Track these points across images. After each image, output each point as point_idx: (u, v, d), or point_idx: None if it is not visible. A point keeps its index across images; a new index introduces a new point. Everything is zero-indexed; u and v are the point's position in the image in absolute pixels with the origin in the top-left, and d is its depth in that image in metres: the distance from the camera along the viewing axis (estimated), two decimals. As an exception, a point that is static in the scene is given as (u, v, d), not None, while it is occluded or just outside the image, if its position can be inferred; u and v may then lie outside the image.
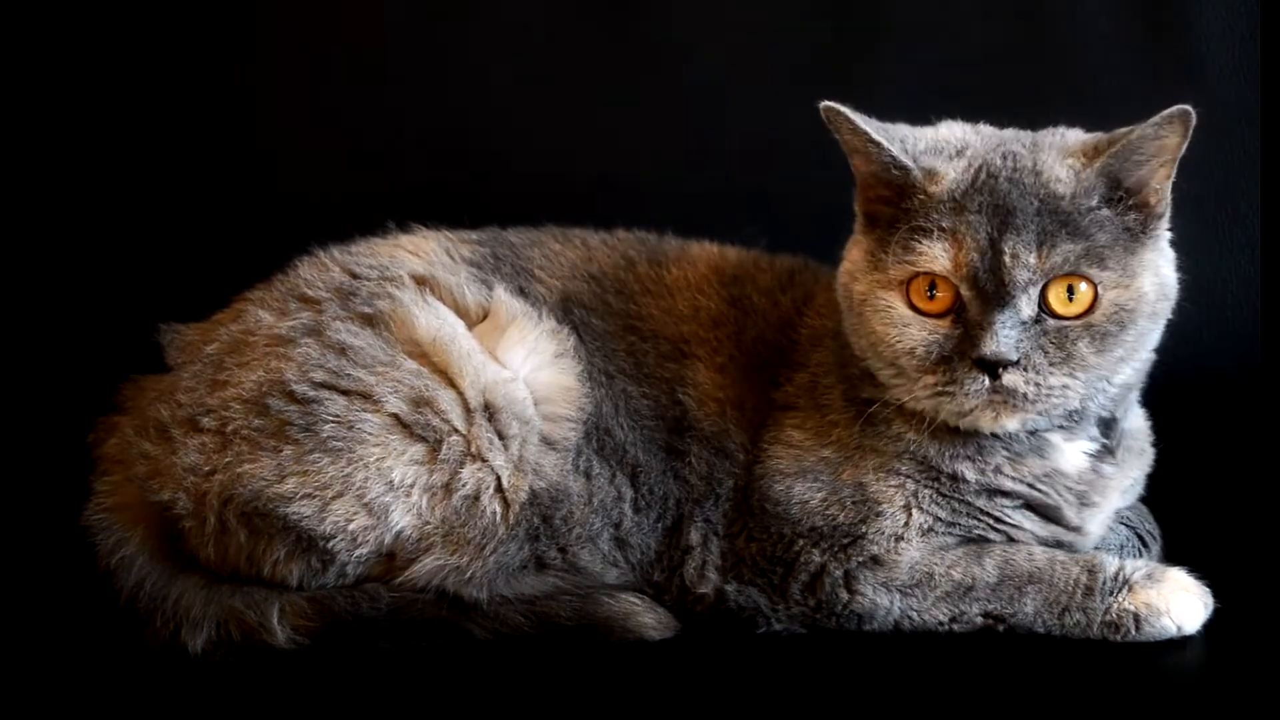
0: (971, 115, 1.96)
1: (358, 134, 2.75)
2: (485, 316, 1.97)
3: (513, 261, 2.05)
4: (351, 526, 1.83)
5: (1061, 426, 1.86)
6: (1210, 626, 1.83)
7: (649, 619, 1.90)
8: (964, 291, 1.77)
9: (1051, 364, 1.76)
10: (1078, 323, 1.76)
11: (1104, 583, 1.83)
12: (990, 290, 1.75)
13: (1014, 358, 1.74)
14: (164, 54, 2.73)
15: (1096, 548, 1.94)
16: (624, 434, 1.95)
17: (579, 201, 2.26)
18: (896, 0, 2.66)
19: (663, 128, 2.68)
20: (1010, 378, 1.75)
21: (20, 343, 2.65)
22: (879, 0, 2.67)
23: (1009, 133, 1.90)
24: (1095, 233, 1.76)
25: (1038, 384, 1.76)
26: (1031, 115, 1.96)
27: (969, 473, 1.86)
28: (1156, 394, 2.04)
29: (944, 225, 1.78)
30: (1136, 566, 1.85)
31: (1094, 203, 1.78)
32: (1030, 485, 1.87)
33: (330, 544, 1.84)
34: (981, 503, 1.87)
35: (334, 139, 2.75)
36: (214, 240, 2.71)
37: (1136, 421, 1.99)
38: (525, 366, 1.93)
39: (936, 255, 1.78)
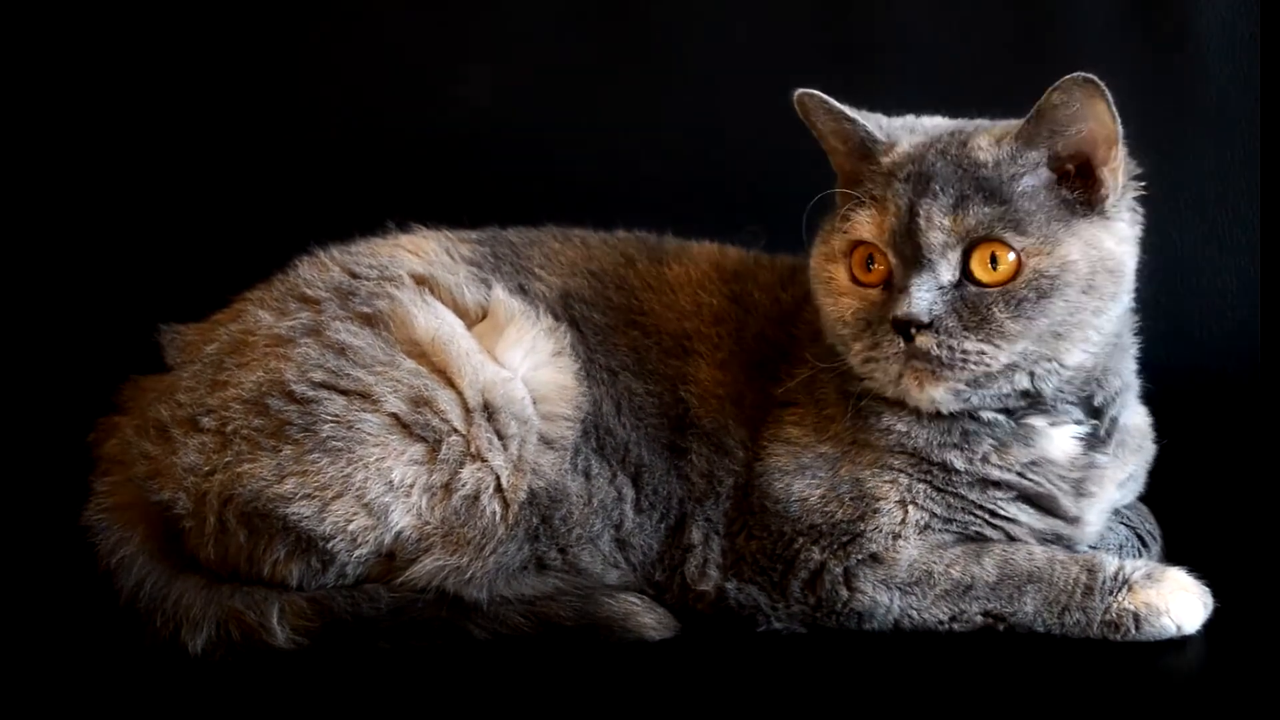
0: (971, 114, 1.96)
1: (358, 134, 2.75)
2: (485, 316, 1.97)
3: (512, 260, 2.05)
4: (351, 527, 1.83)
5: (1031, 410, 1.86)
6: (1210, 626, 1.83)
7: (649, 619, 1.90)
8: (891, 259, 1.80)
9: (966, 328, 1.77)
10: (996, 289, 1.77)
11: (1104, 582, 1.83)
12: (909, 254, 1.78)
13: (925, 319, 1.76)
14: (164, 54, 2.74)
15: (1094, 546, 1.93)
16: (626, 432, 1.95)
17: (579, 201, 2.26)
18: (898, 0, 2.67)
19: (663, 128, 2.69)
20: (922, 339, 1.77)
21: (20, 343, 2.66)
22: (880, 0, 2.67)
23: (981, 120, 1.92)
24: (1018, 200, 1.78)
25: (950, 347, 1.77)
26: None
27: (958, 461, 1.86)
28: (1156, 394, 2.04)
29: (875, 194, 1.83)
30: (1136, 566, 1.85)
31: (1020, 171, 1.79)
32: (1020, 474, 1.87)
33: (330, 544, 1.84)
34: (975, 495, 1.87)
35: (334, 139, 2.75)
36: (214, 240, 2.71)
37: (1135, 419, 1.99)
38: (523, 366, 1.93)
39: (864, 222, 1.82)
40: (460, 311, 1.96)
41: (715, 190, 2.64)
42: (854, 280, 1.85)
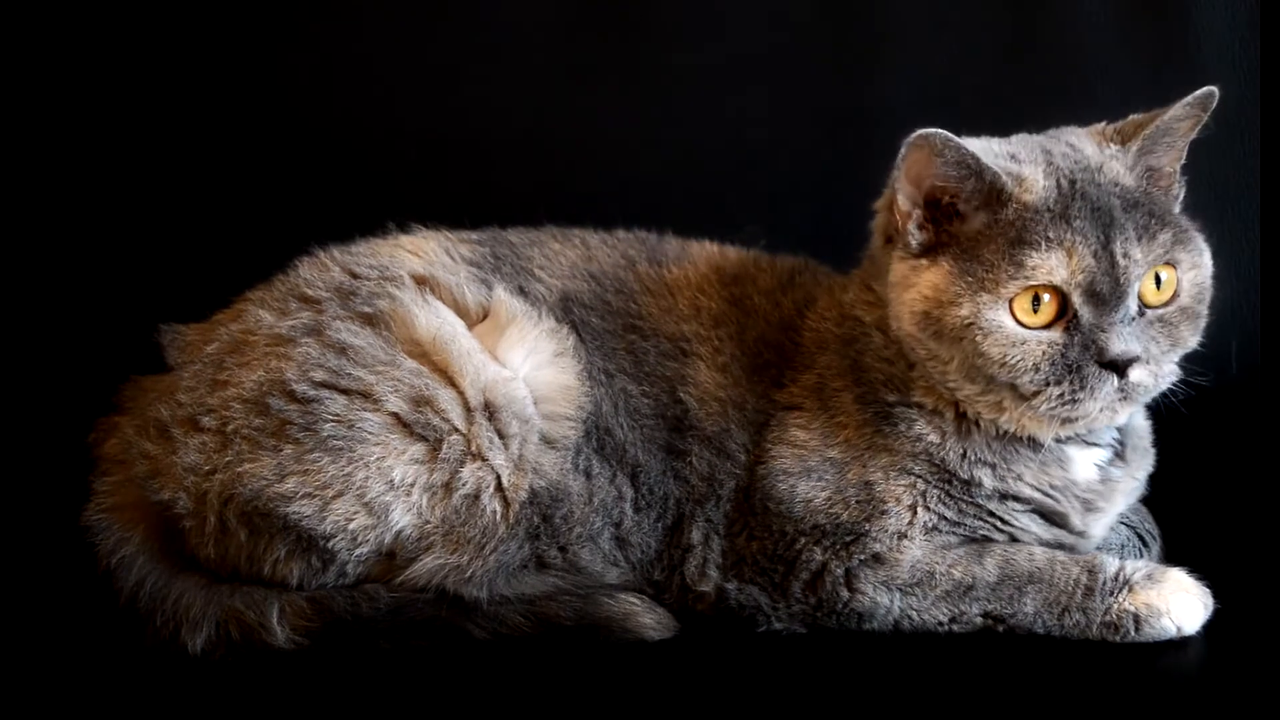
0: (971, 115, 1.96)
1: (358, 134, 2.75)
2: (485, 316, 1.96)
3: (512, 261, 2.05)
4: (352, 526, 1.83)
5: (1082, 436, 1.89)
6: (1210, 627, 1.83)
7: (648, 619, 1.90)
8: (1075, 298, 1.76)
9: (1163, 351, 1.80)
10: (1172, 308, 1.80)
11: (1104, 583, 1.83)
12: (1106, 292, 1.76)
13: (1139, 353, 1.77)
14: (164, 54, 2.73)
15: (1097, 548, 1.94)
16: (624, 433, 1.95)
17: (579, 201, 2.26)
18: (897, 0, 2.66)
19: (664, 127, 2.68)
20: (1136, 373, 1.77)
21: (20, 343, 2.65)
22: (880, 0, 2.67)
23: (1016, 139, 1.89)
24: (1168, 215, 1.81)
25: (1155, 374, 1.79)
26: (1032, 115, 1.96)
27: (987, 479, 1.87)
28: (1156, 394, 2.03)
29: (1050, 236, 1.77)
30: (1136, 567, 1.85)
31: (1152, 187, 1.83)
32: (1045, 493, 1.88)
33: (330, 543, 1.84)
34: (993, 505, 1.88)
35: (334, 139, 2.75)
36: (214, 240, 2.71)
37: (1139, 419, 1.99)
38: (525, 365, 1.93)
39: (1053, 267, 1.76)
40: (461, 311, 1.95)
41: (715, 190, 2.64)
42: (1021, 325, 1.79)
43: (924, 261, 1.84)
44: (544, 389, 1.93)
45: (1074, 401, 1.78)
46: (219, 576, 1.88)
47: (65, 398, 2.36)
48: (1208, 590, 1.84)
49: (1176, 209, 1.86)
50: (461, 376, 1.87)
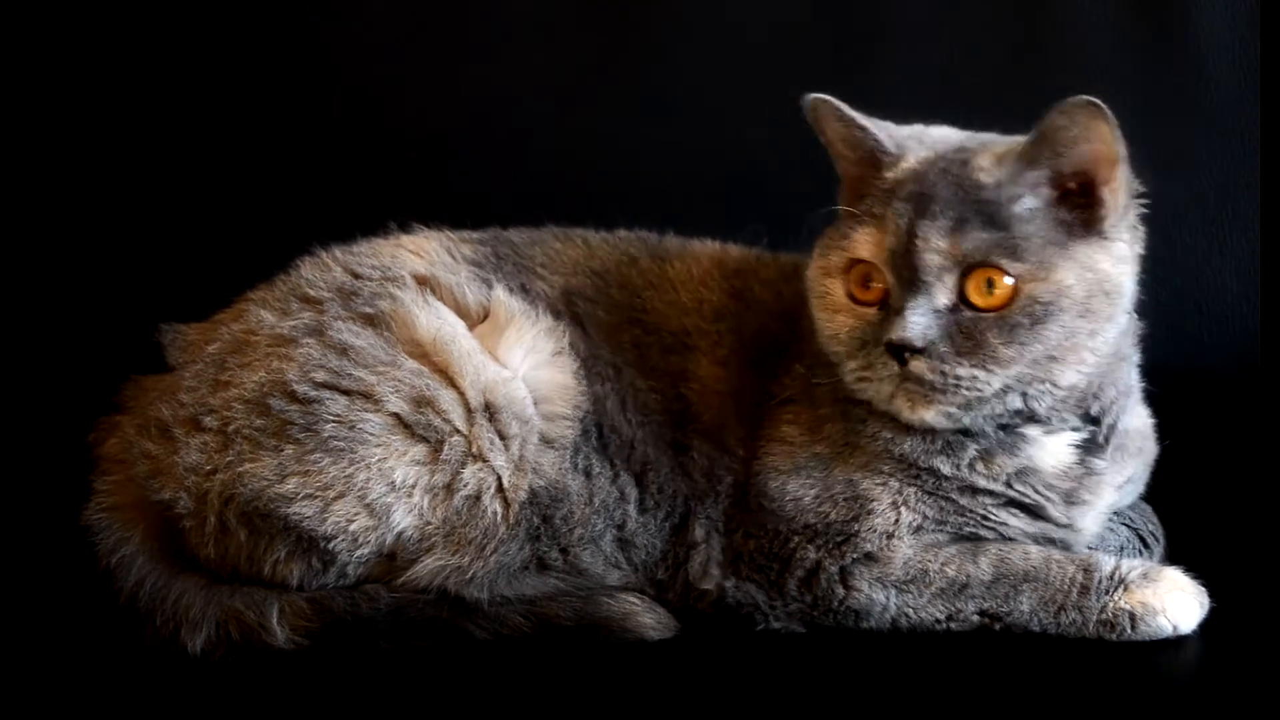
0: (971, 115, 1.97)
1: (360, 133, 2.75)
2: (486, 316, 1.96)
3: (514, 260, 2.05)
4: (353, 527, 1.83)
5: (1030, 421, 1.85)
6: (1206, 626, 1.83)
7: (648, 619, 1.90)
8: (887, 278, 1.79)
9: (959, 354, 1.76)
10: (991, 315, 1.76)
11: (1100, 582, 1.83)
12: (906, 276, 1.76)
13: (919, 344, 1.75)
14: (165, 54, 2.73)
15: (1093, 548, 1.93)
16: (632, 430, 1.95)
17: (580, 201, 2.26)
18: (897, 0, 2.67)
19: (665, 127, 2.68)
20: (916, 364, 1.76)
21: (20, 343, 2.65)
22: (880, 0, 2.67)
23: (986, 135, 1.90)
24: (1016, 224, 1.76)
25: (944, 373, 1.76)
26: (1032, 116, 1.95)
27: (945, 467, 1.86)
28: (1156, 394, 2.04)
29: (875, 212, 1.81)
30: (1132, 566, 1.85)
31: (1019, 193, 1.77)
32: (1006, 484, 1.87)
33: (331, 544, 1.84)
34: (965, 500, 1.87)
35: (336, 138, 2.75)
36: (215, 239, 2.71)
37: (1136, 422, 1.98)
38: (524, 365, 1.93)
39: (864, 241, 1.81)
40: (462, 311, 1.95)
41: (717, 190, 2.64)
42: (851, 297, 1.83)
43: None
44: (543, 388, 1.93)
45: (865, 380, 1.81)
46: (219, 577, 1.88)
47: (65, 397, 2.35)
48: (1203, 589, 1.84)
49: (1111, 227, 1.79)
50: (462, 377, 1.87)
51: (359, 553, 1.85)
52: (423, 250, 2.03)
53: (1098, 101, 1.74)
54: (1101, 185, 1.79)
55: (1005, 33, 2.63)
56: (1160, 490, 2.07)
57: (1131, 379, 1.95)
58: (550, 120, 2.71)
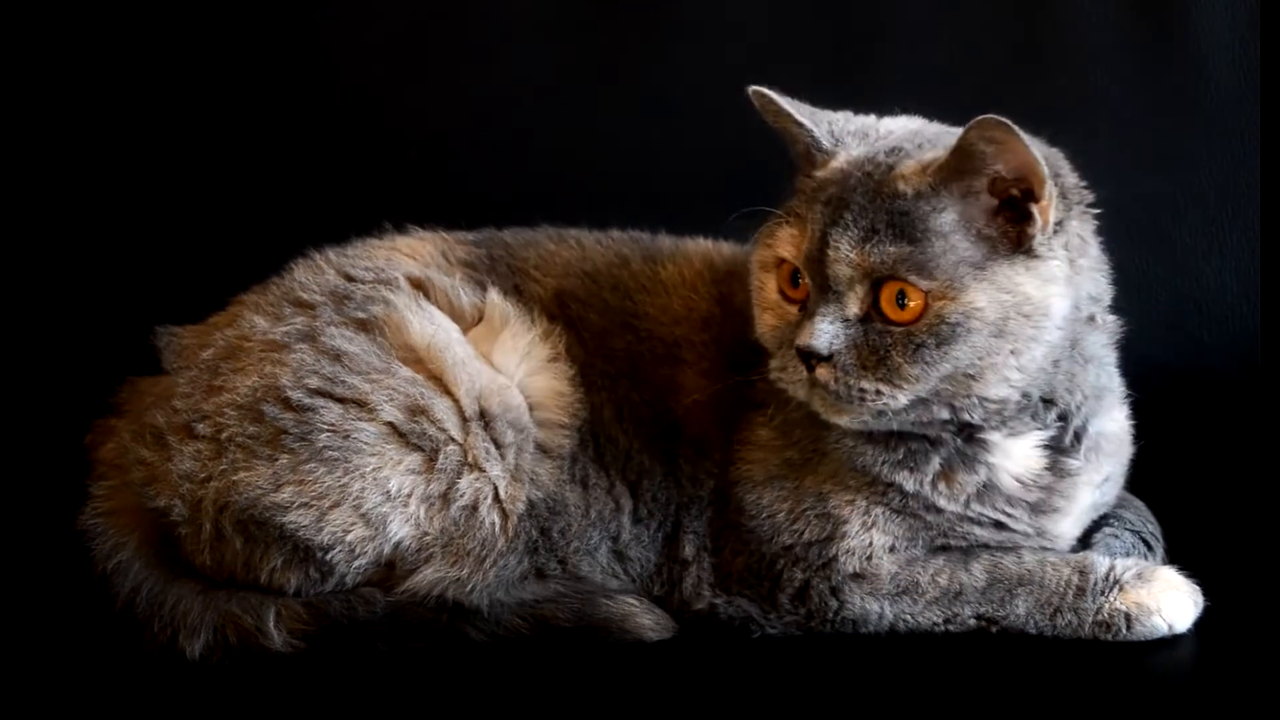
0: (971, 115, 1.95)
1: (354, 134, 2.74)
2: (480, 319, 1.96)
3: (508, 262, 2.04)
4: (350, 537, 1.82)
5: (981, 429, 1.82)
6: (1201, 625, 1.83)
7: (647, 620, 1.89)
8: (806, 280, 1.78)
9: (864, 367, 1.74)
10: (899, 329, 1.73)
11: (1095, 583, 1.83)
12: (820, 282, 1.75)
13: (824, 353, 1.74)
14: (164, 54, 2.73)
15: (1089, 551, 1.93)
16: (628, 439, 1.95)
17: (576, 202, 2.25)
18: (897, 0, 2.66)
19: (659, 127, 2.68)
20: (821, 372, 1.75)
21: (20, 343, 2.65)
22: (880, 0, 2.66)
23: (935, 129, 1.86)
24: (929, 239, 1.72)
25: (847, 384, 1.74)
26: (1032, 116, 1.95)
27: (907, 484, 1.84)
28: (1156, 394, 2.03)
29: (799, 212, 1.79)
30: (1127, 566, 1.84)
31: (938, 206, 1.73)
32: (965, 504, 1.84)
33: (328, 554, 1.83)
34: (931, 517, 1.85)
35: (331, 138, 2.75)
36: (211, 239, 2.70)
37: (1111, 425, 1.94)
38: (519, 371, 1.92)
39: (785, 240, 1.80)
40: (456, 314, 1.94)
41: (716, 190, 2.62)
42: (781, 294, 1.82)
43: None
44: (538, 395, 1.92)
45: (783, 379, 1.80)
46: (215, 583, 1.87)
47: (63, 398, 2.36)
48: (1198, 588, 1.84)
49: (1044, 246, 1.74)
50: (456, 385, 1.86)
51: (357, 563, 1.84)
52: (417, 252, 2.03)
53: (1003, 120, 1.67)
54: (1035, 207, 1.74)
55: (1005, 33, 2.63)
56: (1159, 490, 2.07)
57: (1104, 380, 1.90)
58: (548, 120, 2.70)
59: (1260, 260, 2.53)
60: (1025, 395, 1.80)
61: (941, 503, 1.84)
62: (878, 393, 1.74)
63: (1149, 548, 1.98)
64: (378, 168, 2.72)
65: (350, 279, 1.96)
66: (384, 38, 2.74)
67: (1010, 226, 1.75)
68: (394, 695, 1.77)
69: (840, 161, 1.81)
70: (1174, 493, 2.11)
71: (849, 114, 1.90)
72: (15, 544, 2.18)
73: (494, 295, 1.97)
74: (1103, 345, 1.89)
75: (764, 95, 1.84)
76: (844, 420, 1.79)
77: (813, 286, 1.77)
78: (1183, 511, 2.10)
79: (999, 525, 1.86)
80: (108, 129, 2.72)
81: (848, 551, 1.85)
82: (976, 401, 1.78)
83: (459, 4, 2.72)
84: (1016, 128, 1.67)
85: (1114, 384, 1.94)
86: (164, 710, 1.78)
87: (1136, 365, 1.99)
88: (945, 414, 1.79)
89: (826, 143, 1.83)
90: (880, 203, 1.74)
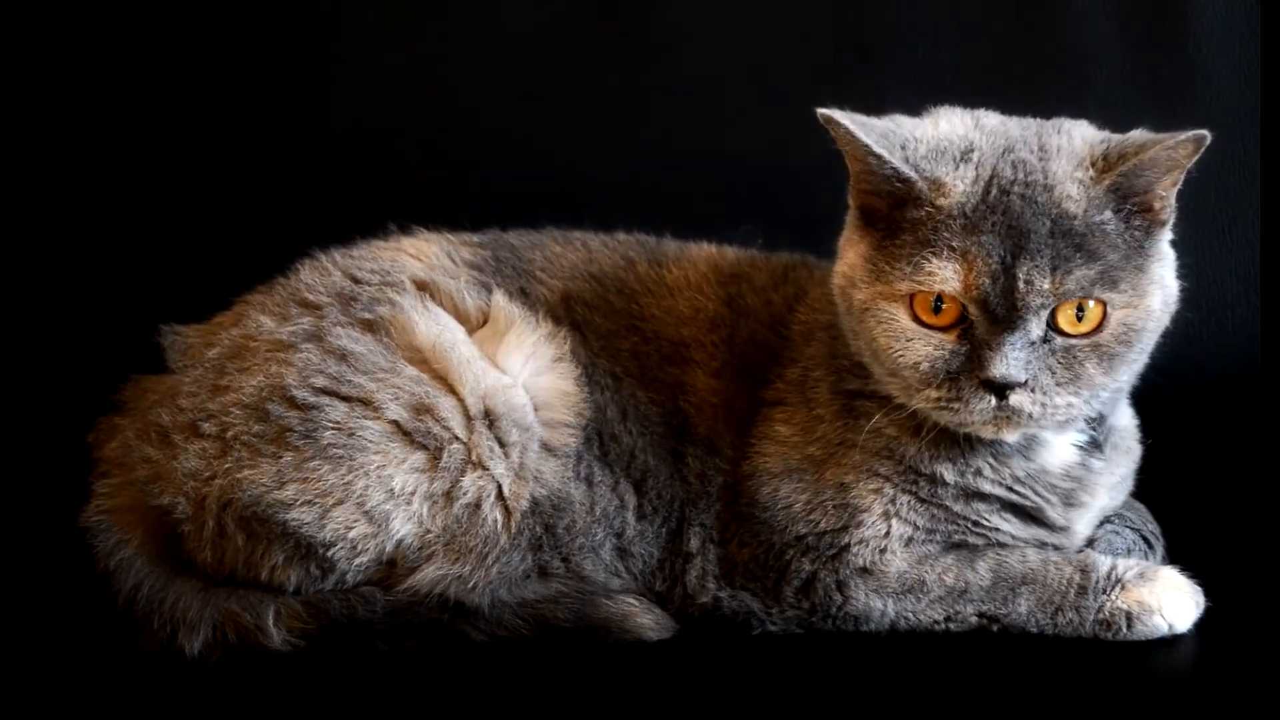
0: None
1: (359, 134, 2.75)
2: (485, 321, 1.96)
3: (514, 264, 2.05)
4: (352, 534, 1.83)
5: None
6: (1202, 625, 1.83)
7: (647, 620, 1.90)
8: (972, 311, 1.73)
9: (1059, 384, 1.74)
10: (1085, 342, 1.73)
11: (1097, 582, 1.83)
12: (1001, 313, 1.72)
13: (1023, 379, 1.72)
14: (165, 54, 2.73)
15: (1088, 549, 1.93)
16: (633, 439, 1.95)
17: (579, 204, 2.26)
18: (897, 0, 2.66)
19: (663, 130, 2.69)
20: (1017, 398, 1.73)
21: (20, 342, 2.66)
22: (880, 0, 2.67)
23: (1014, 126, 1.84)
24: (1107, 253, 1.72)
25: (1044, 404, 1.73)
26: (1031, 115, 1.96)
27: (948, 475, 1.85)
28: (1156, 394, 2.03)
29: (954, 245, 1.73)
30: (1129, 565, 1.85)
31: (1104, 217, 1.74)
32: (1009, 488, 1.86)
33: (330, 551, 1.83)
34: (959, 507, 1.86)
35: (335, 138, 2.75)
36: (215, 239, 2.71)
37: (1124, 420, 1.97)
38: (524, 372, 1.92)
39: (947, 277, 1.73)
40: (461, 317, 1.95)
41: (714, 192, 2.64)
42: (918, 322, 1.77)
43: (856, 235, 1.83)
44: (544, 395, 1.92)
45: (949, 409, 1.76)
46: (216, 581, 1.88)
47: (66, 396, 2.36)
48: (1199, 588, 1.85)
49: (1164, 234, 1.79)
50: (461, 384, 1.87)
51: (358, 560, 1.85)
52: (422, 254, 2.03)
53: (1207, 135, 1.71)
54: (1159, 198, 1.77)
55: (1005, 33, 2.63)
56: (1160, 490, 2.07)
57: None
58: (550, 120, 2.71)
59: (1260, 260, 2.54)
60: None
61: (985, 487, 1.85)
62: (1069, 405, 1.75)
63: (1149, 546, 1.99)
64: (382, 167, 2.72)
65: (356, 281, 1.97)
66: (388, 37, 2.74)
67: (1136, 221, 1.77)
68: (393, 695, 1.77)
69: (970, 184, 1.76)
70: (1174, 493, 2.11)
71: (897, 118, 1.86)
72: (18, 540, 2.19)
73: (499, 297, 1.97)
74: None
75: (841, 126, 1.76)
76: (1013, 436, 1.81)
77: (982, 317, 1.73)
78: (1183, 511, 2.11)
79: (1030, 516, 1.87)
80: (111, 130, 2.72)
81: (861, 542, 1.86)
82: (1106, 394, 1.81)
83: (462, 4, 2.73)
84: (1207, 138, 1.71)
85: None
86: (163, 707, 1.78)
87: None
88: (1079, 418, 1.82)
89: (913, 174, 1.76)
90: (1054, 225, 1.72)
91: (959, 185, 1.76)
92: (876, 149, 1.75)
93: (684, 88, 2.69)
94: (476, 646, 1.87)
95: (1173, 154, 1.73)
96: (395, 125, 2.73)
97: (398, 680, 1.80)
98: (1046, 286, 1.70)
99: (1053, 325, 1.73)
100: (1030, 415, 1.74)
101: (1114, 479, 1.94)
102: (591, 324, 2.00)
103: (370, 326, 1.89)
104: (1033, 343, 1.73)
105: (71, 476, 2.00)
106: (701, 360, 1.98)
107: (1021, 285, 1.70)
